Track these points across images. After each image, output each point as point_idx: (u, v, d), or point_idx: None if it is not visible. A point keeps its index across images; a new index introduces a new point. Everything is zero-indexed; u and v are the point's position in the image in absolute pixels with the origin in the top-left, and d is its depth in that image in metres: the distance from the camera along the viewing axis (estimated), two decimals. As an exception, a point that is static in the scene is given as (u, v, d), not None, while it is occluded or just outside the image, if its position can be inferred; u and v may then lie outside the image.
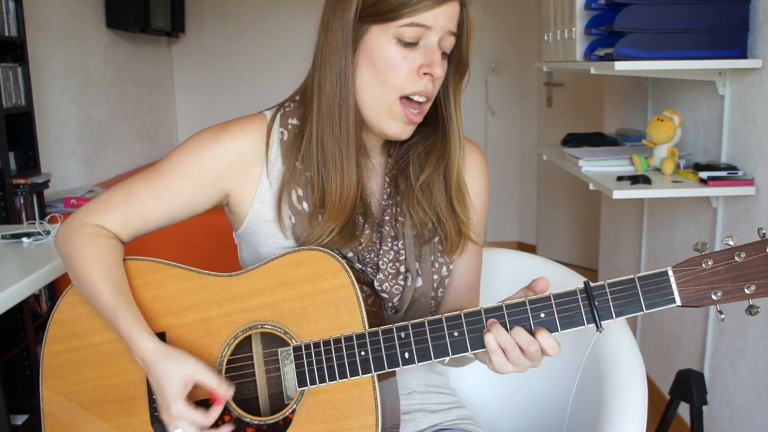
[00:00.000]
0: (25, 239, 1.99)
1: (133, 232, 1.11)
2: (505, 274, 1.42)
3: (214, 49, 4.83)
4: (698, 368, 2.26)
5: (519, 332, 0.93)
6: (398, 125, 1.04)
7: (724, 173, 1.96)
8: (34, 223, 2.08)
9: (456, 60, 1.07)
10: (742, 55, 1.94)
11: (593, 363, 1.25)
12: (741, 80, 2.00)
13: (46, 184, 2.68)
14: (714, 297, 0.90)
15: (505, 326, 0.94)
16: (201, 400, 1.02)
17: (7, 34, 2.49)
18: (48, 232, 2.01)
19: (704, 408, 1.80)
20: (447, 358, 0.97)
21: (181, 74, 4.87)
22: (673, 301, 0.91)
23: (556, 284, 1.38)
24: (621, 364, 1.18)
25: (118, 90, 3.89)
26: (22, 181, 2.52)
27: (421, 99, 1.03)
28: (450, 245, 1.11)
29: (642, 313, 0.91)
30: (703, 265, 0.90)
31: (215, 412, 0.99)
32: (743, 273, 0.89)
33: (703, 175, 1.98)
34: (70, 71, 3.30)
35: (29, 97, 2.61)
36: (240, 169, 1.09)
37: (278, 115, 1.12)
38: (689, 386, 1.77)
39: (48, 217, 2.23)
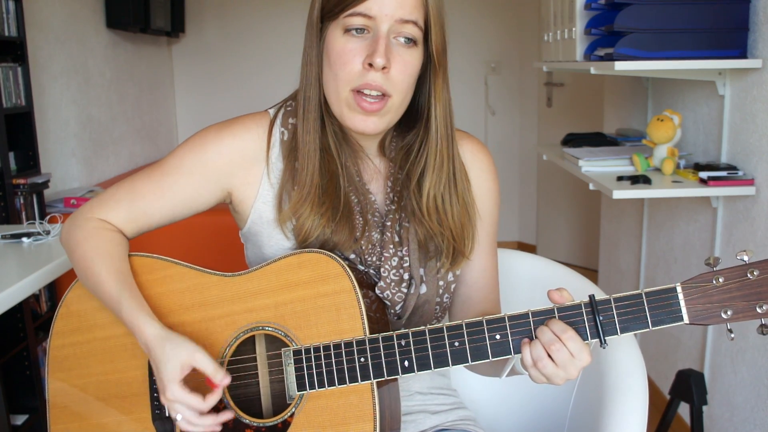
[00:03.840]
0: (25, 239, 1.99)
1: (136, 227, 1.11)
2: (505, 275, 1.41)
3: (214, 49, 4.82)
4: (698, 368, 2.26)
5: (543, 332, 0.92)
6: (357, 117, 1.02)
7: (724, 173, 1.95)
8: (34, 223, 2.08)
9: (430, 50, 1.03)
10: (742, 55, 1.94)
11: (594, 363, 1.25)
12: (741, 80, 2.00)
13: (46, 184, 2.68)
14: (724, 316, 0.87)
15: (506, 337, 0.93)
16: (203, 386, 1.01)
17: (7, 34, 2.49)
18: (48, 232, 2.01)
19: (704, 408, 1.80)
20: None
21: (181, 74, 4.87)
22: (681, 318, 0.88)
23: (557, 285, 1.37)
24: (622, 364, 1.18)
25: (118, 90, 3.88)
26: (22, 181, 2.52)
27: (372, 92, 1.00)
28: (455, 258, 1.09)
29: (648, 330, 0.89)
30: (714, 282, 0.87)
31: (212, 398, 0.97)
32: (756, 291, 0.86)
33: (703, 175, 1.98)
34: (70, 71, 3.30)
35: (29, 97, 2.60)
36: (242, 167, 1.09)
37: (280, 114, 1.11)
38: (689, 386, 1.77)
39: (48, 217, 2.23)
